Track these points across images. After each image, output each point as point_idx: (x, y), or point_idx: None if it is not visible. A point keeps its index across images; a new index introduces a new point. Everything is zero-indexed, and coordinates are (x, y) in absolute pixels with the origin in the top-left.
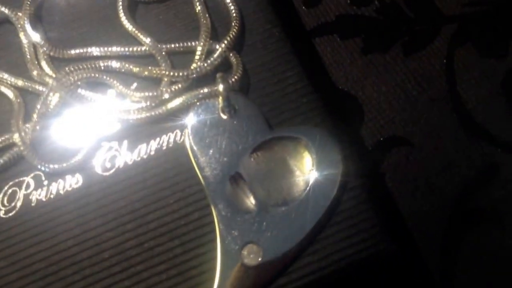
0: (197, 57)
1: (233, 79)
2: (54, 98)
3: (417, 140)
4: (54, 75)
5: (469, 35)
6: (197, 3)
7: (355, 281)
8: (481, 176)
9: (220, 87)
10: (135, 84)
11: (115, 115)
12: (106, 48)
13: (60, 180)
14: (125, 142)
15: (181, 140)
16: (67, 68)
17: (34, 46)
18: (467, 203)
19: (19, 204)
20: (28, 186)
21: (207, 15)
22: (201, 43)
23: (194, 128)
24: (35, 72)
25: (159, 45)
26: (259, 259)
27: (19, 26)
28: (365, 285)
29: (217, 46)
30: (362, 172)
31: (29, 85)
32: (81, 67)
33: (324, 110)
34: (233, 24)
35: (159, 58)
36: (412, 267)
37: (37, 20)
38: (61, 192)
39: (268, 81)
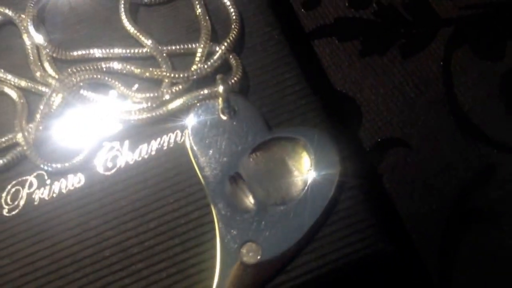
0: (197, 59)
1: (233, 81)
2: (56, 99)
3: (415, 142)
4: (57, 76)
5: (466, 37)
6: (198, 6)
7: (352, 280)
8: (478, 177)
9: (220, 89)
10: (136, 85)
11: (117, 115)
12: (108, 50)
13: (62, 179)
14: (127, 142)
15: (182, 140)
16: (69, 70)
17: (37, 47)
18: (465, 203)
19: (22, 202)
20: (31, 185)
21: (207, 17)
22: (202, 45)
23: (194, 129)
24: (38, 73)
25: (160, 47)
26: (258, 258)
27: (22, 28)
28: (363, 285)
29: (217, 48)
30: (359, 173)
31: (32, 86)
32: (83, 68)
33: (322, 112)
34: (233, 26)
35: (160, 59)
36: (410, 268)
37: (40, 22)
38: (64, 191)
39: (267, 82)
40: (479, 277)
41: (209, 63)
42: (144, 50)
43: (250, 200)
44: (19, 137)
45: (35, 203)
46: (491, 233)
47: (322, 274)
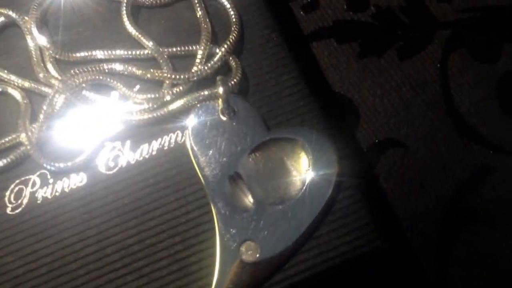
0: (198, 60)
1: (232, 82)
2: (59, 100)
3: (412, 142)
4: (59, 77)
5: (462, 40)
6: (198, 9)
7: (349, 278)
8: (473, 177)
9: (220, 90)
10: (137, 86)
11: (118, 116)
12: (110, 51)
13: (65, 179)
14: (128, 142)
15: (182, 140)
16: (72, 71)
17: (41, 49)
18: (460, 203)
19: (25, 201)
20: (34, 184)
21: (207, 20)
22: (202, 47)
23: (194, 129)
24: (41, 74)
25: (161, 49)
26: (257, 256)
27: (26, 29)
28: (360, 283)
29: (217, 50)
30: (357, 173)
31: (35, 86)
32: (85, 69)
33: (320, 112)
34: (232, 29)
35: (161, 61)
36: (406, 266)
37: (43, 24)
38: (66, 190)
39: (266, 84)
40: (473, 275)
41: (209, 64)
42: (146, 51)
43: (249, 200)
44: (23, 136)
45: (38, 201)
46: (485, 233)
47: (320, 272)
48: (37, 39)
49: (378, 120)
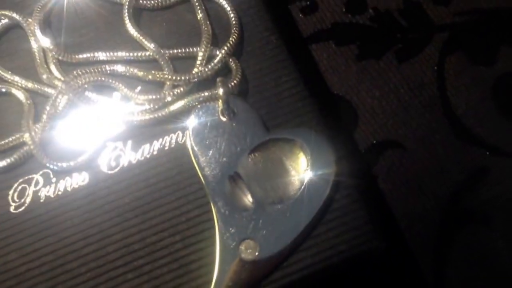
0: (198, 62)
1: (232, 84)
2: (62, 100)
3: (409, 144)
4: (62, 78)
5: (459, 43)
6: (199, 11)
7: (347, 277)
8: (470, 178)
9: (220, 91)
10: (139, 87)
11: (120, 116)
12: (112, 53)
13: (67, 178)
14: (130, 142)
15: (183, 141)
16: (75, 72)
17: (44, 50)
18: (458, 204)
19: (28, 200)
20: (37, 183)
21: (208, 22)
22: (202, 49)
23: (195, 130)
24: (44, 76)
25: (162, 51)
26: (256, 254)
27: (29, 31)
28: (358, 282)
29: (218, 52)
30: (355, 173)
31: (39, 87)
32: (88, 71)
33: (319, 114)
34: (232, 31)
35: (162, 63)
36: (404, 267)
37: (46, 26)
38: (69, 189)
39: (265, 85)
40: (471, 275)
41: (209, 66)
42: (147, 53)
43: (248, 199)
44: (26, 136)
45: (41, 200)
46: (483, 234)
47: (318, 270)
48: (40, 41)
49: (376, 122)
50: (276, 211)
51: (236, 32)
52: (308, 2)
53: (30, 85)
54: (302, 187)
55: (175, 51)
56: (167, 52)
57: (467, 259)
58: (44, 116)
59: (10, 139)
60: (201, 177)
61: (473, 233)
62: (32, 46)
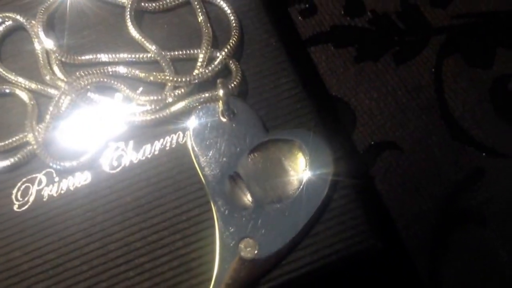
0: (199, 64)
1: (232, 85)
2: (65, 101)
3: (407, 145)
4: (65, 80)
5: (456, 46)
6: (200, 14)
7: (344, 275)
8: (467, 179)
9: (220, 92)
10: (141, 89)
11: (122, 117)
12: (114, 55)
13: (70, 177)
14: (131, 143)
15: (183, 141)
16: (77, 73)
17: (47, 52)
18: (454, 205)
19: (31, 199)
20: (40, 182)
21: (208, 25)
22: (203, 51)
23: (195, 130)
24: (47, 77)
25: (163, 52)
26: (255, 252)
27: (33, 33)
28: (355, 281)
29: (218, 54)
30: (352, 173)
31: (42, 88)
32: (90, 72)
33: (317, 115)
34: (233, 33)
35: (163, 64)
36: (400, 266)
37: (50, 28)
38: (71, 188)
39: (265, 87)
40: (467, 275)
41: (210, 68)
42: (149, 55)
43: (248, 198)
44: (30, 136)
45: (44, 199)
46: (478, 233)
47: (316, 268)
48: (44, 42)
49: (374, 123)
50: (275, 210)
51: (236, 34)
52: (307, 5)
53: (33, 86)
54: (301, 187)
55: (176, 53)
56: (168, 54)
57: (463, 259)
58: (47, 117)
59: (14, 139)
60: (202, 177)
61: (469, 233)
62: (36, 48)
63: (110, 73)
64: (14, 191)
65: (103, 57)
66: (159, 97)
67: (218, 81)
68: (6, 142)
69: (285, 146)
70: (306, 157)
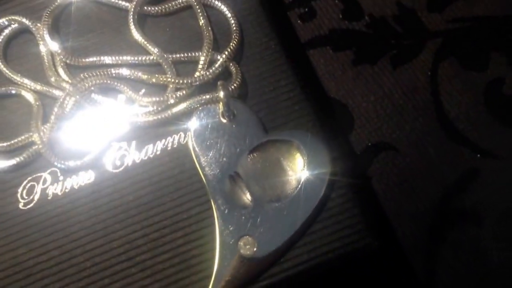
0: (200, 66)
1: (232, 87)
2: (70, 102)
3: (403, 146)
4: (70, 81)
5: (452, 49)
6: (201, 17)
7: (341, 273)
8: (462, 180)
9: (221, 94)
10: (143, 90)
11: (125, 118)
12: (117, 57)
13: (74, 176)
14: (134, 143)
15: (185, 141)
16: (82, 75)
17: (52, 54)
18: (449, 205)
19: (36, 197)
20: (45, 181)
21: (209, 28)
22: (204, 54)
23: (196, 131)
24: (52, 78)
25: (165, 55)
26: (254, 250)
27: (38, 36)
28: (351, 279)
29: (219, 57)
30: (349, 173)
31: (47, 89)
32: (94, 74)
33: (315, 116)
34: (233, 36)
35: (165, 66)
36: (396, 265)
37: (54, 31)
38: (75, 187)
39: (264, 89)
40: (462, 274)
41: (211, 70)
42: (151, 57)
43: (247, 197)
44: (35, 136)
45: (49, 198)
46: (473, 233)
47: (313, 266)
48: (49, 45)
49: (371, 125)
50: (273, 209)
51: (237, 37)
52: (306, 9)
53: (38, 87)
54: (299, 186)
55: (178, 55)
56: (170, 56)
57: (458, 258)
58: (52, 117)
59: (20, 138)
60: (202, 177)
61: (464, 232)
62: (41, 50)
63: (114, 75)
64: (20, 190)
65: (107, 59)
66: (161, 99)
67: (219, 83)
68: (12, 141)
69: (284, 147)
70: (304, 157)
